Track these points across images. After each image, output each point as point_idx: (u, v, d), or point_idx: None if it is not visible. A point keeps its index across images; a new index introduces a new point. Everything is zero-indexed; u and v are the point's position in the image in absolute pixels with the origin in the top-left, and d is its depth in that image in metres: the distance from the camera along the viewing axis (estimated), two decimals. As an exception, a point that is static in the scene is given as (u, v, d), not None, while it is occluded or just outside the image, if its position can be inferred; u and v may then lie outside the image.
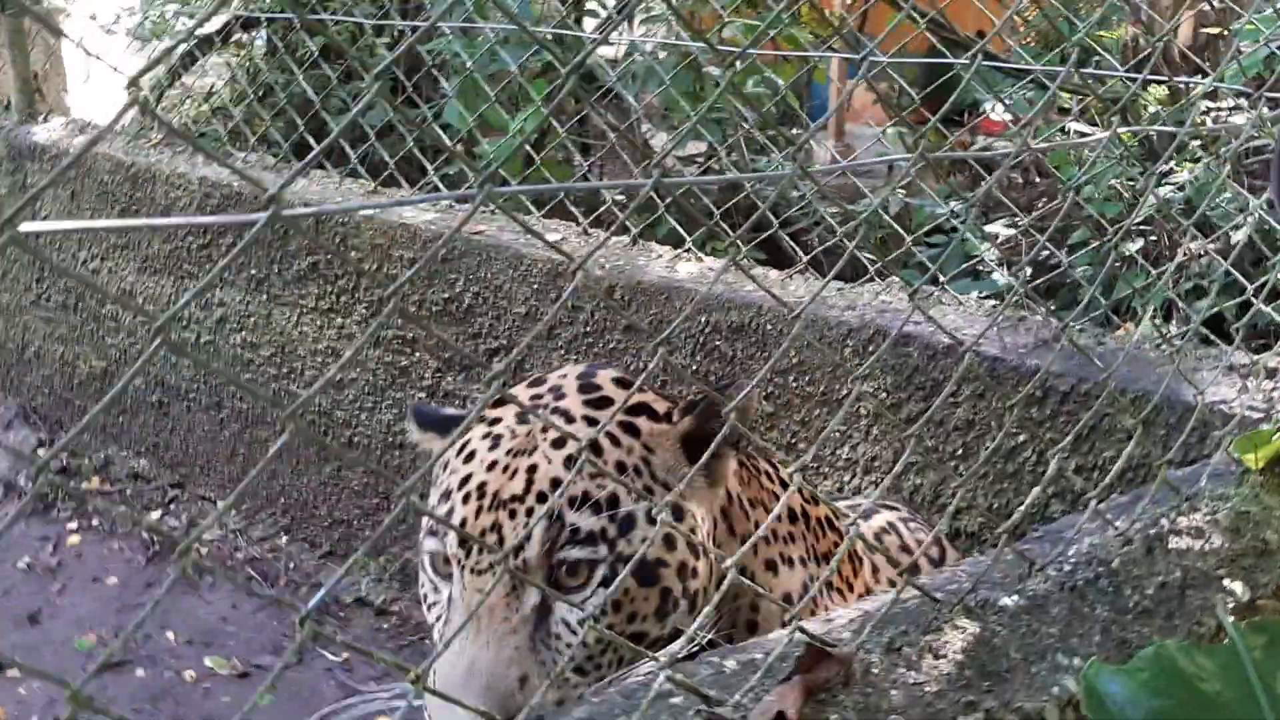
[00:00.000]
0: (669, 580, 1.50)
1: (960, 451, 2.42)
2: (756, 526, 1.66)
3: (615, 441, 1.54)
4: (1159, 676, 1.01)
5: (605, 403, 1.58)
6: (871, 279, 2.72)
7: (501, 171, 3.63)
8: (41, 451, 4.37)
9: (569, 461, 1.49)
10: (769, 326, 2.61)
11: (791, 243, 2.83)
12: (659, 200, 3.02)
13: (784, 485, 1.78)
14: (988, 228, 3.22)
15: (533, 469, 1.49)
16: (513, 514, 1.47)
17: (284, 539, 3.80)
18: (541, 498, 1.46)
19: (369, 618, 3.52)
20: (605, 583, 1.44)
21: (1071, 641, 1.35)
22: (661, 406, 1.62)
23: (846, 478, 2.57)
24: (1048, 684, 1.28)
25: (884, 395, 2.48)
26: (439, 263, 3.17)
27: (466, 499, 1.50)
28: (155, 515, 3.98)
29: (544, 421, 1.49)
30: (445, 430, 1.71)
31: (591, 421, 1.55)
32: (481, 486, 1.51)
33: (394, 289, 0.95)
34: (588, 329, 2.91)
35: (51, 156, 4.16)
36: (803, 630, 1.20)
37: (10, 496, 4.18)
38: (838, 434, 2.56)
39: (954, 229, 3.25)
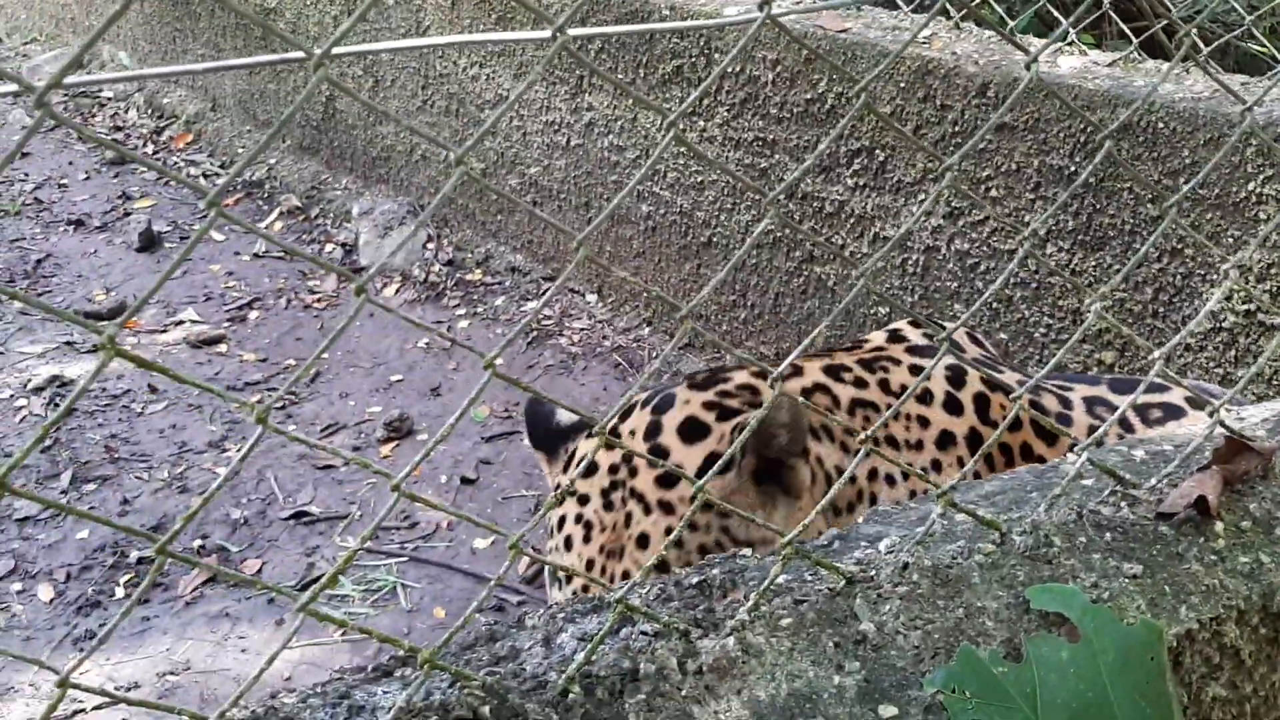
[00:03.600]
0: None
1: (1376, 260, 2.24)
2: (874, 475, 1.63)
3: (694, 526, 1.54)
4: None
5: (673, 479, 1.57)
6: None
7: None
8: (430, 245, 4.85)
9: (660, 567, 1.49)
10: (1160, 124, 2.47)
11: (1197, 40, 2.62)
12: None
13: (952, 405, 1.68)
14: None
15: (625, 575, 1.54)
16: None
17: (646, 330, 4.07)
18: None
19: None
20: None
21: None
22: (725, 442, 1.58)
23: (1234, 287, 2.44)
24: None
25: (1289, 198, 2.31)
26: (802, 64, 3.19)
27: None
28: (531, 305, 4.36)
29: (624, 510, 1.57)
30: (553, 449, 1.79)
31: (665, 506, 1.55)
32: (584, 588, 1.58)
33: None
34: (956, 128, 2.86)
35: (433, -31, 4.43)
36: (1223, 424, 1.21)
37: (406, 285, 4.69)
38: (1231, 238, 2.42)
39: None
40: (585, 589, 1.59)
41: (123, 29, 6.59)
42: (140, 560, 3.17)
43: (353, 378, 4.09)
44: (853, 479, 1.63)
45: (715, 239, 3.64)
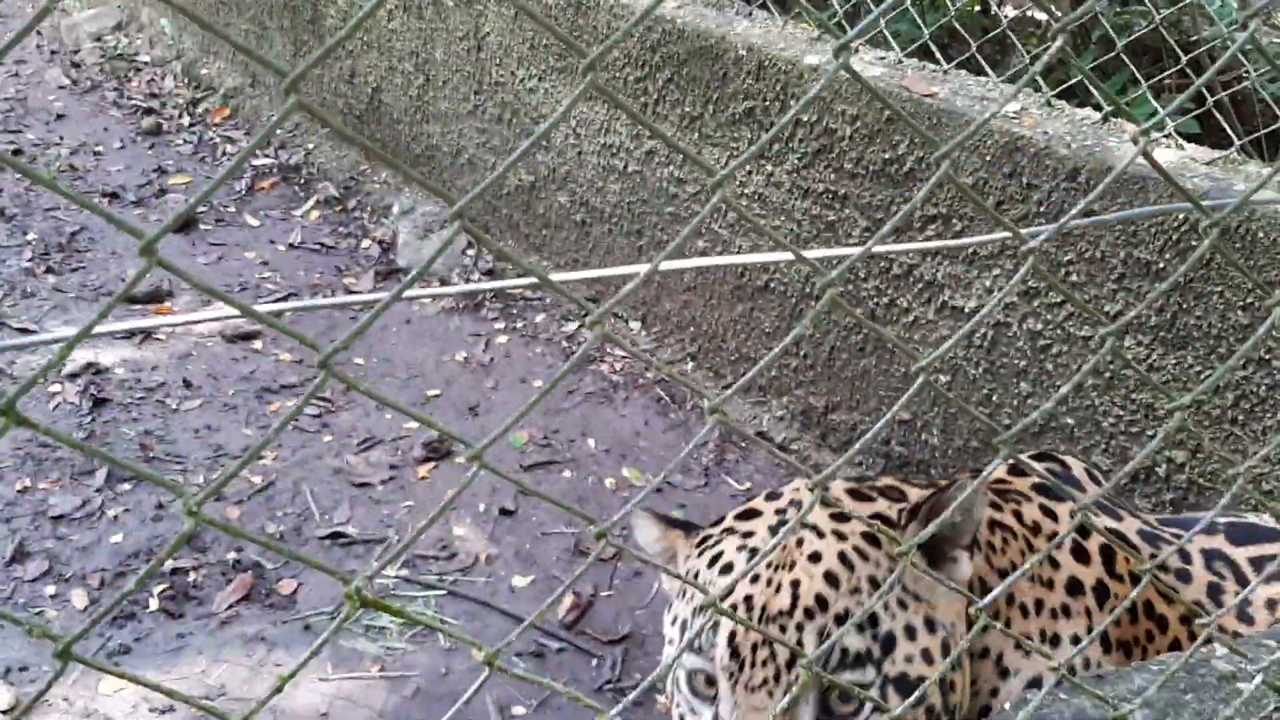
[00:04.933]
0: (933, 697, 1.49)
1: None
2: (1010, 601, 1.61)
3: (864, 556, 1.52)
4: None
5: (846, 516, 1.58)
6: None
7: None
8: (470, 253, 4.80)
9: (828, 577, 1.49)
10: (1260, 233, 2.43)
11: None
12: (1135, 72, 2.82)
13: (1080, 553, 1.69)
14: None
15: (795, 584, 1.50)
16: (783, 629, 1.48)
17: (690, 365, 4.03)
18: (808, 613, 1.47)
19: (767, 449, 3.72)
20: (877, 708, 1.44)
21: None
22: (895, 512, 1.60)
23: (1325, 405, 2.42)
24: None
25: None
26: (883, 122, 3.14)
27: (733, 610, 1.51)
28: (572, 326, 4.31)
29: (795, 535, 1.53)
30: (689, 530, 1.75)
31: (839, 535, 1.54)
32: (748, 600, 1.52)
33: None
34: (1041, 209, 2.82)
35: (499, -24, 4.36)
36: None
37: (444, 291, 4.63)
38: (1323, 358, 2.39)
39: None
40: (731, 639, 1.52)
41: (165, -5, 6.49)
42: (174, 571, 3.13)
43: (389, 389, 4.04)
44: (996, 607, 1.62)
45: (773, 284, 3.60)
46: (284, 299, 4.56)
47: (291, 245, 4.98)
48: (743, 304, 3.73)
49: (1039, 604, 1.64)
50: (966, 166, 2.95)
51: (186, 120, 6.16)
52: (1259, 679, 1.12)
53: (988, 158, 2.90)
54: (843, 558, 1.52)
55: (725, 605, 1.51)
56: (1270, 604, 1.82)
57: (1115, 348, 0.96)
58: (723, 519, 1.72)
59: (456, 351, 4.25)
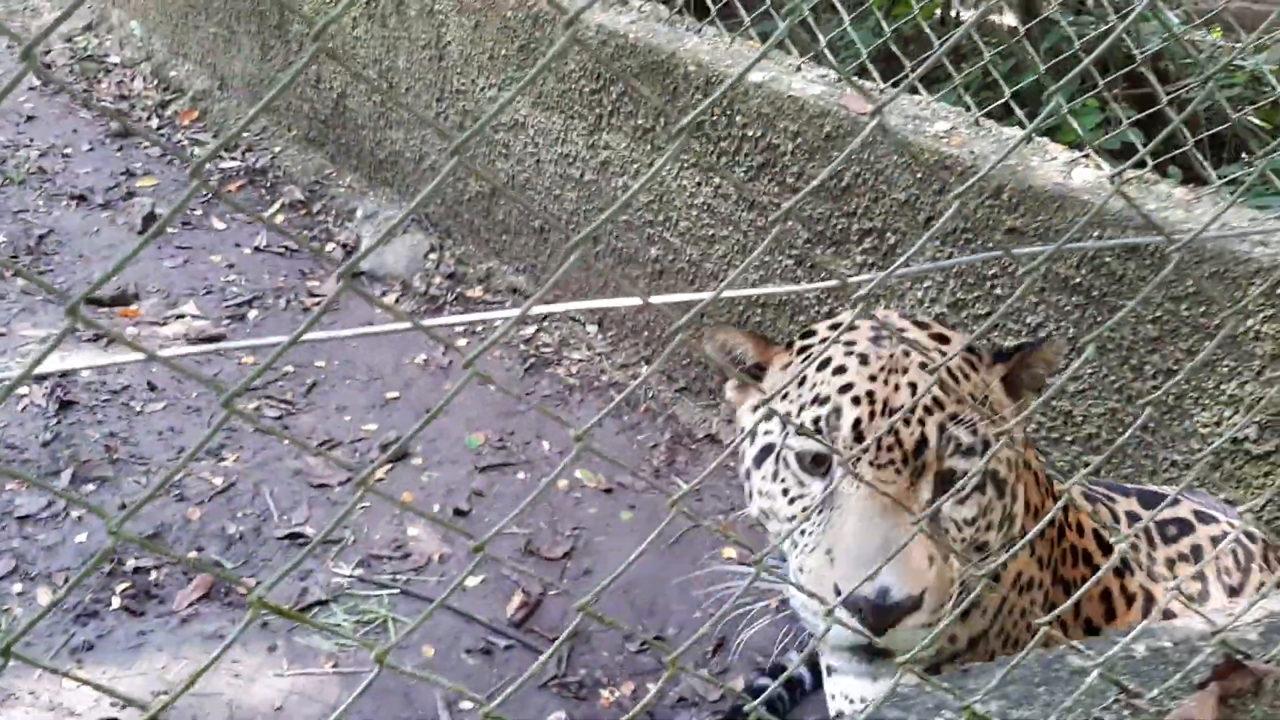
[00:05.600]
0: (1008, 498, 1.71)
1: (1360, 408, 2.35)
2: (1015, 499, 1.80)
3: (965, 375, 1.73)
4: None
5: (943, 339, 1.77)
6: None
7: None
8: (432, 257, 4.90)
9: (939, 384, 1.68)
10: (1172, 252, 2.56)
11: (1201, 160, 2.73)
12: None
13: (1050, 494, 1.90)
14: None
15: (913, 385, 1.68)
16: (906, 421, 1.65)
17: (644, 368, 4.14)
18: (927, 409, 1.65)
19: (717, 452, 3.85)
20: (978, 488, 1.67)
21: None
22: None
23: (1227, 413, 2.55)
24: None
25: (1284, 339, 2.42)
26: (822, 139, 3.26)
27: (856, 402, 1.67)
28: (530, 331, 4.42)
29: (905, 346, 1.68)
30: (785, 348, 1.88)
31: (941, 353, 1.72)
32: (870, 394, 1.68)
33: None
34: (967, 225, 2.95)
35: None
36: (1225, 644, 1.31)
37: (406, 295, 4.74)
38: (1226, 369, 2.53)
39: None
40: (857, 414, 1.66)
41: (135, -2, 6.55)
42: (137, 570, 3.22)
43: (349, 390, 4.14)
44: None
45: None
46: (248, 302, 4.65)
47: (257, 248, 5.06)
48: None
49: (1036, 511, 1.83)
50: (899, 183, 3.08)
51: (155, 122, 6.22)
52: (1096, 672, 1.25)
53: (919, 175, 3.03)
54: (948, 370, 1.71)
55: (845, 396, 1.67)
56: (1169, 563, 2.01)
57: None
58: (813, 331, 1.85)
59: (416, 355, 4.35)
